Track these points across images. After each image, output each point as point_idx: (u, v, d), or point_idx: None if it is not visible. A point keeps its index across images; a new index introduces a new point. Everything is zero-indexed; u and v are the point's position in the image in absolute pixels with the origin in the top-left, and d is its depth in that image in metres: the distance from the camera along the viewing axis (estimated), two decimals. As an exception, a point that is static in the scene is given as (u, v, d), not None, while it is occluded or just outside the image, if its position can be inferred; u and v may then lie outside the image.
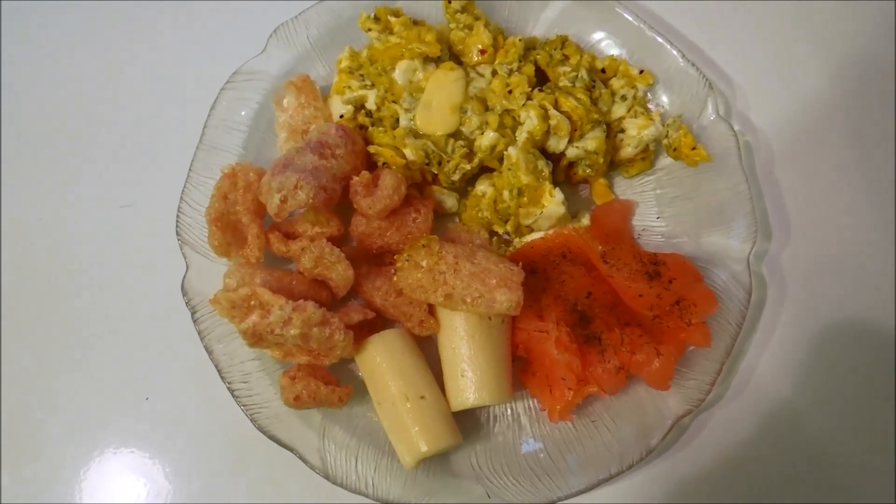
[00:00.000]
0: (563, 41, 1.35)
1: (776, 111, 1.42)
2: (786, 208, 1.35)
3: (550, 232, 1.25)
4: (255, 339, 1.09)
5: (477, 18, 1.32)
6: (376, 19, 1.34)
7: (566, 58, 1.32)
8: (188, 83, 1.49)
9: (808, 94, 1.44)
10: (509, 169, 1.21)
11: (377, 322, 1.22)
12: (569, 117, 1.24)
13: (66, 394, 1.28)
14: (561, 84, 1.29)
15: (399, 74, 1.27)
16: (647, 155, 1.32)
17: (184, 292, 1.21)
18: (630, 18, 1.36)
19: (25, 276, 1.36)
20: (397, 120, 1.27)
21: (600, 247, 1.20)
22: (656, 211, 1.32)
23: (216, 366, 1.17)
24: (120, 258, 1.37)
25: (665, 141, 1.30)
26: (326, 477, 1.12)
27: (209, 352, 1.18)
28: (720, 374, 1.15)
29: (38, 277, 1.36)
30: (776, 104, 1.43)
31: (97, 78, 1.52)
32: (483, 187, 1.26)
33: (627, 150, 1.30)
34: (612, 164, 1.34)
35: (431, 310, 1.19)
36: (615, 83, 1.33)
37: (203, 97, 1.34)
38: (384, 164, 1.26)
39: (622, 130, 1.31)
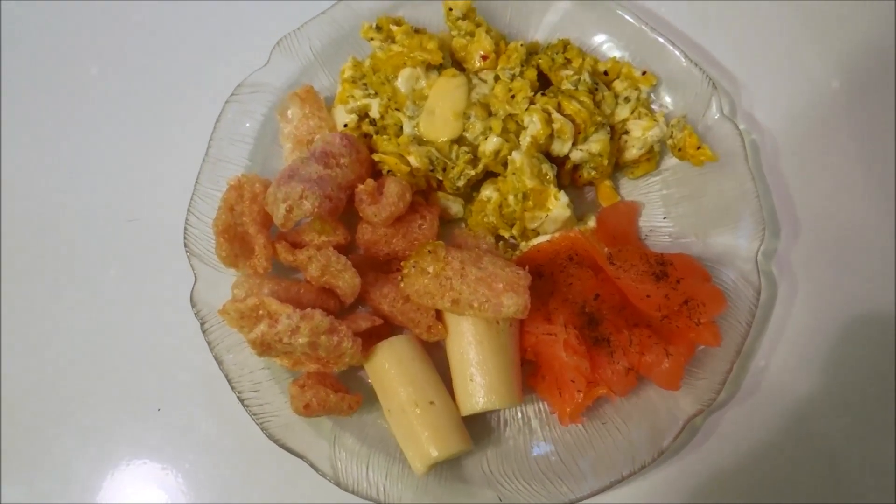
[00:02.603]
0: (565, 45, 1.35)
1: (782, 109, 1.41)
2: (794, 206, 1.34)
3: (556, 235, 1.25)
4: (264, 348, 1.09)
5: (478, 25, 1.33)
6: (378, 29, 1.34)
7: (568, 61, 1.33)
8: (192, 97, 1.49)
9: (813, 90, 1.43)
10: (514, 173, 1.21)
11: (385, 329, 1.22)
12: (572, 120, 1.24)
13: (77, 407, 1.29)
14: (563, 88, 1.29)
15: (402, 82, 1.28)
16: (652, 156, 1.32)
17: (192, 303, 1.22)
18: (631, 20, 1.35)
19: (35, 291, 1.38)
20: (401, 128, 1.28)
21: (606, 248, 1.20)
22: (663, 211, 1.31)
23: (226, 376, 1.18)
24: (129, 271, 1.37)
25: (670, 141, 1.30)
26: (338, 484, 1.12)
27: (219, 362, 1.19)
28: (731, 373, 1.14)
29: (48, 292, 1.37)
30: (782, 102, 1.42)
31: (100, 93, 1.53)
32: (488, 192, 1.26)
33: (632, 152, 1.30)
34: (618, 166, 1.34)
35: (439, 315, 1.19)
36: (618, 85, 1.33)
37: (208, 110, 1.34)
38: (389, 171, 1.26)
39: (626, 132, 1.30)
